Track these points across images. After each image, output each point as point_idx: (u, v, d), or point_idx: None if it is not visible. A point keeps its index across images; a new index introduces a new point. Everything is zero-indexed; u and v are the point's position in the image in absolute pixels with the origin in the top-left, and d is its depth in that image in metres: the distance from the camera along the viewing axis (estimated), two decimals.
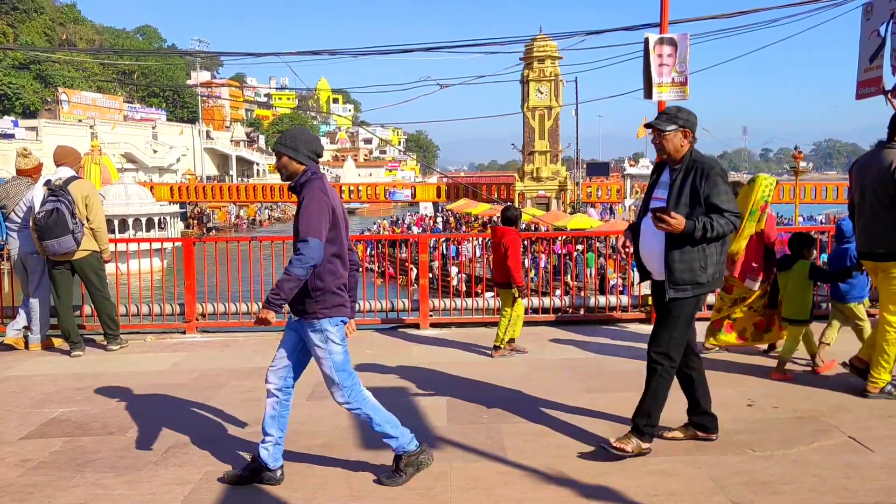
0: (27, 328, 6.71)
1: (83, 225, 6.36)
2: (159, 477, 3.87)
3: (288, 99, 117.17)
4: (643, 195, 4.22)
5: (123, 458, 4.14)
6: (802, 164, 27.02)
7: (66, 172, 6.48)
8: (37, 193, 6.31)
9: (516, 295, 6.43)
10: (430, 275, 11.17)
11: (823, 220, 35.01)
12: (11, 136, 53.98)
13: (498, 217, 40.61)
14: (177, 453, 4.20)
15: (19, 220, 6.53)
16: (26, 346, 6.69)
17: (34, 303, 6.63)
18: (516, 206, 6.81)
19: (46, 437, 4.49)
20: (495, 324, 7.58)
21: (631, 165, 60.77)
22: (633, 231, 4.22)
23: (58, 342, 6.80)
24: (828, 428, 4.42)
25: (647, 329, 5.37)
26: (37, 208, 6.21)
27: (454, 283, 19.24)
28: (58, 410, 4.98)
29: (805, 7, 11.62)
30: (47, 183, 6.34)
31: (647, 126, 4.14)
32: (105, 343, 6.80)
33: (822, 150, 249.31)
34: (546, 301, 7.96)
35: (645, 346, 4.10)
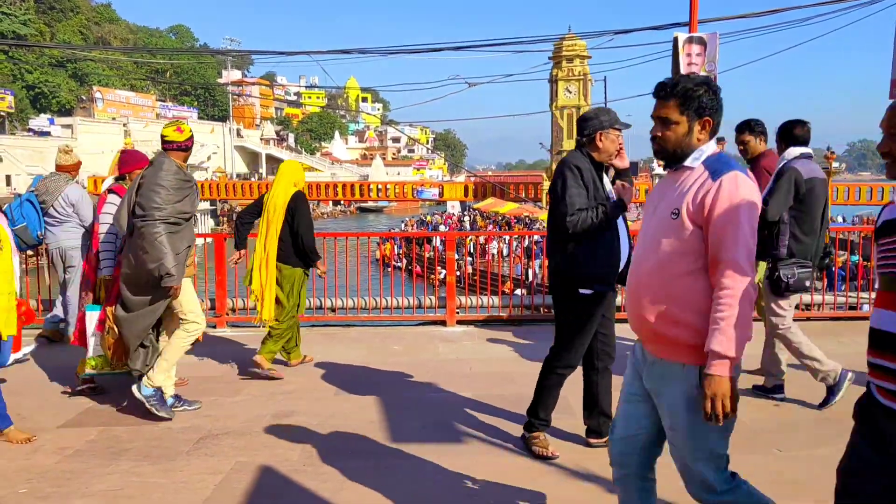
0: (63, 321, 6.87)
1: None
2: (192, 466, 3.97)
3: (317, 97, 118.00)
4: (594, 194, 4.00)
5: (157, 447, 4.25)
6: (835, 164, 26.62)
7: None
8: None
9: None
10: (458, 272, 11.19)
11: (856, 222, 34.42)
12: (48, 133, 54.95)
13: (526, 215, 39.93)
14: (208, 444, 4.30)
15: (58, 215, 6.68)
16: (62, 339, 6.86)
17: (71, 296, 6.78)
18: None
19: (82, 427, 4.62)
20: (522, 321, 7.64)
21: (659, 165, 60.12)
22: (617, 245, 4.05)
23: None
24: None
25: None
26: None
27: (469, 271, 19.54)
28: (92, 401, 5.11)
29: (835, 6, 11.50)
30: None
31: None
32: None
33: (857, 151, 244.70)
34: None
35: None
